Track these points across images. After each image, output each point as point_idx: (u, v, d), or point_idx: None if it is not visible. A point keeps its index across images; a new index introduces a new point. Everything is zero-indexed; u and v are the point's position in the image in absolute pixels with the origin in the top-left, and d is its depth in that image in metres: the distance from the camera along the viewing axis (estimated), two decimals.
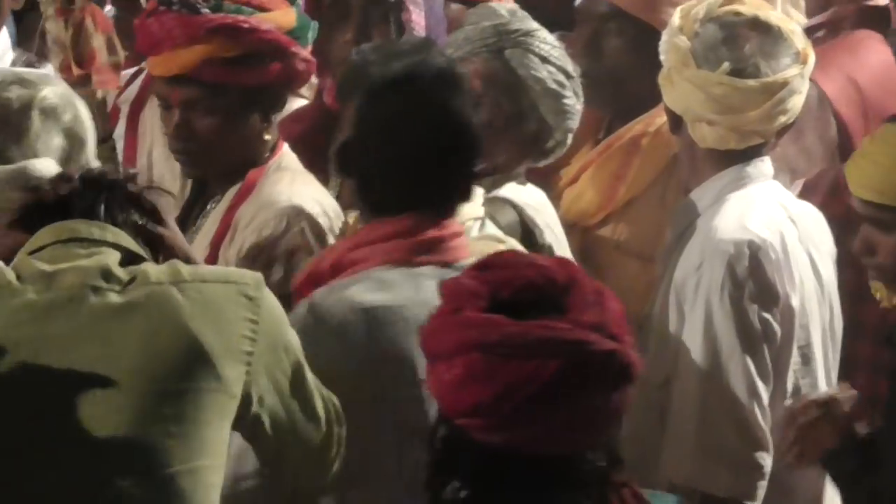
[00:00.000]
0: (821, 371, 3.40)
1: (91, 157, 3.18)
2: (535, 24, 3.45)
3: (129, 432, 2.27)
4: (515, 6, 3.60)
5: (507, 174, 3.24)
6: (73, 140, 3.19)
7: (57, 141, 3.12)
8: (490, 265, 1.95)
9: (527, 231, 3.23)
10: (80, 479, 2.35)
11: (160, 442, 2.24)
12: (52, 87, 3.24)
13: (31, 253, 2.30)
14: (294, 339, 2.31)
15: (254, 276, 2.29)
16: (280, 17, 3.39)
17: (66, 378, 2.32)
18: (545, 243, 3.27)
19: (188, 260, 2.44)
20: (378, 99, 2.58)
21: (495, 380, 1.86)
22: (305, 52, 3.33)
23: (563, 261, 2.13)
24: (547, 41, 3.47)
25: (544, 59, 3.34)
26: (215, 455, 2.27)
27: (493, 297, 1.89)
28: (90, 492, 2.33)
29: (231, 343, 2.28)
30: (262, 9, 3.39)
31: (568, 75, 3.37)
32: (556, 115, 3.23)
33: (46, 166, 3.03)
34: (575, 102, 3.35)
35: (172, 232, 2.49)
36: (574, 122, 3.40)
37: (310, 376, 2.34)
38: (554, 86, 3.22)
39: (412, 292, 2.42)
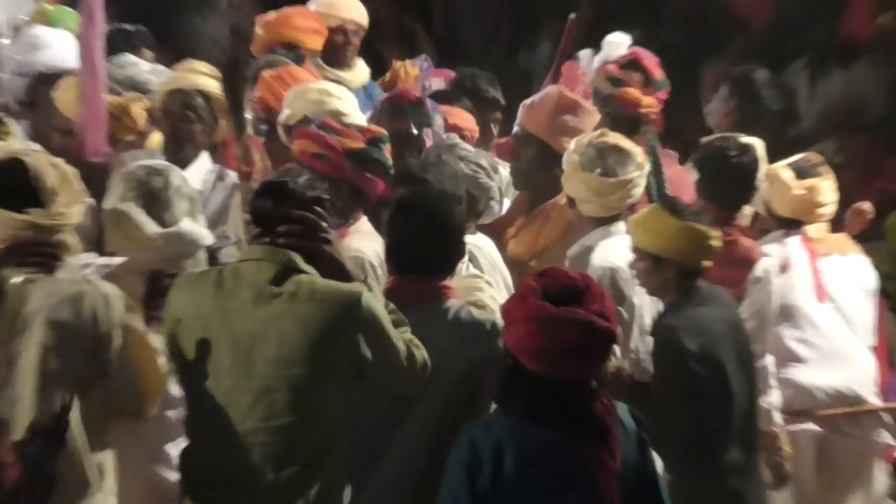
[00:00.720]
0: (644, 339, 4.68)
1: (200, 209, 4.15)
2: (457, 140, 4.84)
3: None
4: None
5: None
6: (193, 203, 4.18)
7: (185, 205, 4.13)
8: (543, 274, 3.00)
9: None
10: (266, 390, 3.63)
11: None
12: (174, 171, 4.30)
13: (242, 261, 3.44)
14: (380, 315, 3.47)
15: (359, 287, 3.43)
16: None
17: (253, 334, 3.59)
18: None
19: (341, 270, 3.58)
20: (403, 211, 3.99)
21: (543, 338, 2.89)
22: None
23: (583, 275, 3.15)
24: (465, 148, 4.77)
25: (461, 158, 4.60)
26: (336, 388, 3.47)
27: (544, 292, 2.95)
28: (270, 396, 3.65)
29: (339, 326, 3.49)
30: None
31: (480, 166, 4.62)
32: (477, 189, 4.56)
33: (192, 227, 4.12)
34: (489, 182, 4.73)
35: (334, 250, 3.57)
36: (493, 193, 4.75)
37: (392, 332, 3.38)
38: (470, 172, 4.59)
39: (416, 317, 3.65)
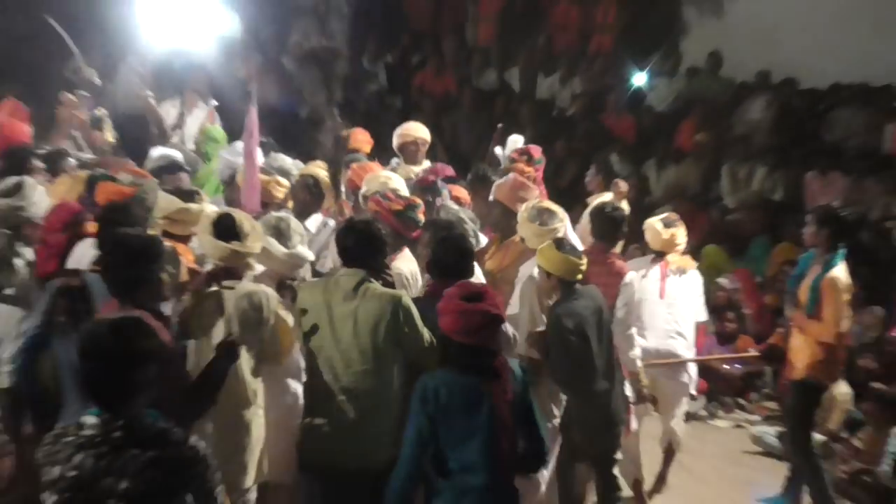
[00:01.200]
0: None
1: (306, 241, 4.65)
2: (454, 206, 5.32)
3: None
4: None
5: None
6: (303, 237, 4.69)
7: (298, 238, 4.59)
8: (461, 286, 3.60)
9: None
10: (361, 364, 4.08)
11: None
12: (292, 219, 4.71)
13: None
14: (412, 310, 3.95)
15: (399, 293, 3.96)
16: None
17: (342, 318, 4.06)
18: None
19: (390, 283, 4.17)
20: (437, 245, 4.42)
21: (462, 322, 3.47)
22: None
23: (483, 285, 3.78)
24: (452, 207, 5.37)
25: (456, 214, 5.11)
26: (394, 362, 4.03)
27: (460, 295, 3.50)
28: (364, 371, 4.08)
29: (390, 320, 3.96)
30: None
31: (466, 219, 5.14)
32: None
33: (303, 250, 4.61)
34: (471, 227, 5.15)
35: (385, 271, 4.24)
36: (473, 234, 5.10)
37: (420, 324, 3.90)
38: (456, 220, 5.08)
39: None
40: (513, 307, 5.04)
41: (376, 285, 4.14)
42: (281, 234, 4.62)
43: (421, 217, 4.95)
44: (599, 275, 5.20)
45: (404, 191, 5.40)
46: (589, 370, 4.78)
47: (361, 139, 7.25)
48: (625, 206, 6.31)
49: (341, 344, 4.07)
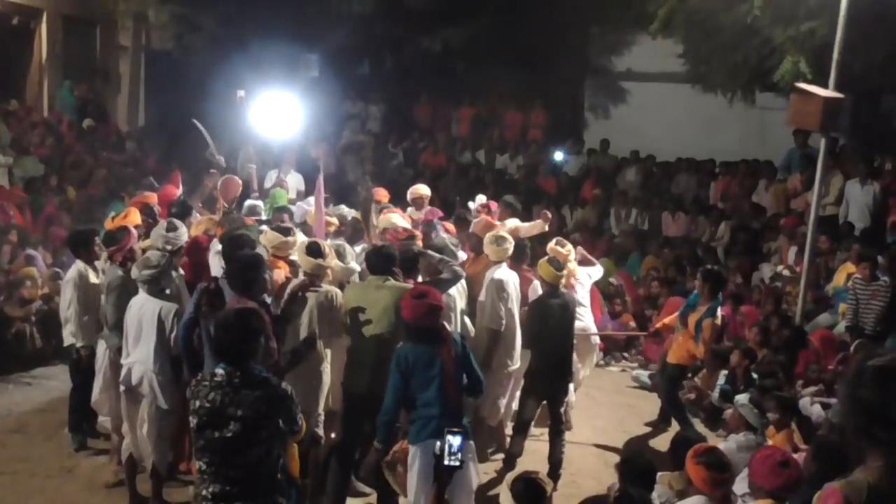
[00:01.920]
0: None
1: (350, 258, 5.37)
2: (445, 237, 5.84)
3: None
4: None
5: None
6: (353, 256, 5.35)
7: (349, 258, 5.20)
8: (413, 288, 4.01)
9: None
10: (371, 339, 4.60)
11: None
12: (346, 245, 5.14)
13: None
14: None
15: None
16: None
17: (373, 303, 4.48)
18: None
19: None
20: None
21: (413, 310, 3.87)
22: None
23: (427, 286, 3.95)
24: (443, 236, 5.85)
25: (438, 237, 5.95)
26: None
27: (412, 294, 3.90)
28: (376, 348, 4.52)
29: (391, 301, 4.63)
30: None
31: (447, 243, 5.49)
32: (451, 253, 5.36)
33: (354, 265, 5.25)
34: (455, 251, 5.56)
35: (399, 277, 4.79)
36: (457, 254, 5.56)
37: None
38: (444, 244, 5.50)
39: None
40: (482, 297, 5.66)
41: (392, 282, 4.61)
42: (340, 255, 5.05)
43: (418, 244, 5.54)
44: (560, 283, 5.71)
45: (406, 226, 6.22)
46: (548, 336, 5.38)
47: (382, 194, 8.04)
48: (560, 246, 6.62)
49: (371, 324, 4.49)
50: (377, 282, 4.53)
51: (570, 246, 6.51)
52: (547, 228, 7.33)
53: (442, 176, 12.88)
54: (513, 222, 6.94)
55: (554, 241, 6.47)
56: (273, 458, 2.99)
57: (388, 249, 4.74)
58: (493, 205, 7.60)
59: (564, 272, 5.33)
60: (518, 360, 5.64)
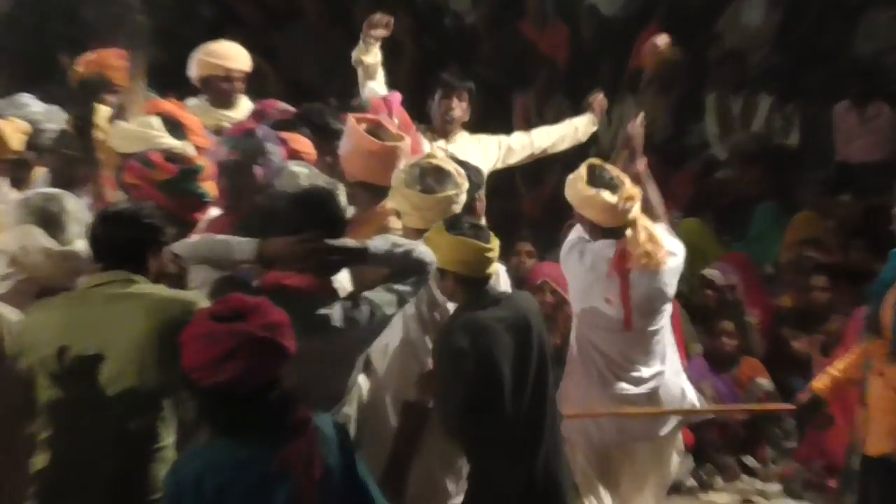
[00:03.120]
0: None
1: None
2: (296, 170, 3.91)
3: None
4: None
5: None
6: (83, 225, 3.35)
7: (76, 228, 3.34)
8: (218, 301, 2.40)
9: None
10: None
11: None
12: (71, 198, 3.55)
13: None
14: None
15: None
16: None
17: (103, 345, 2.79)
18: None
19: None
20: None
21: (207, 351, 2.21)
22: None
23: (259, 298, 2.43)
24: (294, 170, 3.93)
25: (297, 180, 3.88)
26: None
27: (210, 315, 2.30)
28: None
29: None
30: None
31: (313, 184, 3.82)
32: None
33: (83, 246, 3.27)
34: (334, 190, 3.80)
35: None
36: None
37: None
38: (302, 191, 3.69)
39: None
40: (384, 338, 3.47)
41: (142, 286, 3.03)
42: (51, 220, 3.48)
43: (204, 188, 3.60)
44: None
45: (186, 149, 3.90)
46: (499, 420, 3.39)
47: (113, 64, 4.91)
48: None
49: (96, 381, 2.92)
50: (110, 288, 2.96)
51: (633, 188, 3.84)
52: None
53: (286, 22, 8.28)
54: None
55: (587, 169, 3.86)
56: None
57: (139, 211, 3.10)
58: (395, 99, 4.66)
59: (492, 249, 3.34)
60: None
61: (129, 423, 2.87)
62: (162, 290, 2.98)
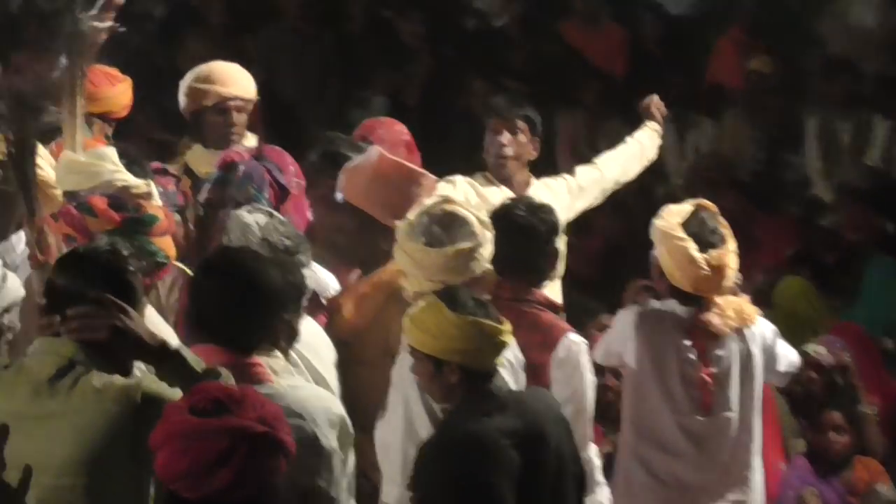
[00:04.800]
0: None
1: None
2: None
3: None
4: None
5: None
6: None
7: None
8: (193, 392, 2.20)
9: None
10: None
11: None
12: None
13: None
14: None
15: None
16: None
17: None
18: None
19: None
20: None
21: (190, 454, 2.10)
22: None
23: (243, 387, 2.33)
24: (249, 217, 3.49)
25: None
26: None
27: (190, 408, 2.16)
28: None
29: None
30: None
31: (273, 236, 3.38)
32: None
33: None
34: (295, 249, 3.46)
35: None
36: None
37: None
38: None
39: None
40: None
41: (109, 379, 2.76)
42: None
43: (155, 245, 3.21)
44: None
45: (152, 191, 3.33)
46: None
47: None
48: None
49: None
50: (56, 387, 2.36)
51: (728, 245, 3.37)
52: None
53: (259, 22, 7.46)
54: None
55: (680, 218, 3.38)
56: None
57: (100, 255, 2.51)
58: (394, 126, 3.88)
59: (506, 333, 2.95)
60: None
61: None
62: (125, 383, 2.55)
